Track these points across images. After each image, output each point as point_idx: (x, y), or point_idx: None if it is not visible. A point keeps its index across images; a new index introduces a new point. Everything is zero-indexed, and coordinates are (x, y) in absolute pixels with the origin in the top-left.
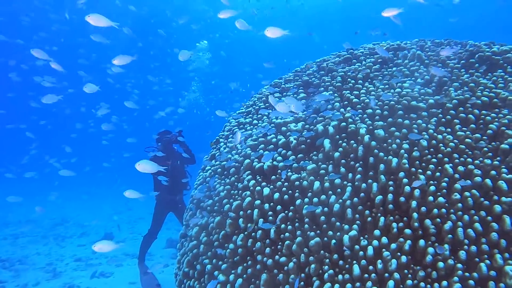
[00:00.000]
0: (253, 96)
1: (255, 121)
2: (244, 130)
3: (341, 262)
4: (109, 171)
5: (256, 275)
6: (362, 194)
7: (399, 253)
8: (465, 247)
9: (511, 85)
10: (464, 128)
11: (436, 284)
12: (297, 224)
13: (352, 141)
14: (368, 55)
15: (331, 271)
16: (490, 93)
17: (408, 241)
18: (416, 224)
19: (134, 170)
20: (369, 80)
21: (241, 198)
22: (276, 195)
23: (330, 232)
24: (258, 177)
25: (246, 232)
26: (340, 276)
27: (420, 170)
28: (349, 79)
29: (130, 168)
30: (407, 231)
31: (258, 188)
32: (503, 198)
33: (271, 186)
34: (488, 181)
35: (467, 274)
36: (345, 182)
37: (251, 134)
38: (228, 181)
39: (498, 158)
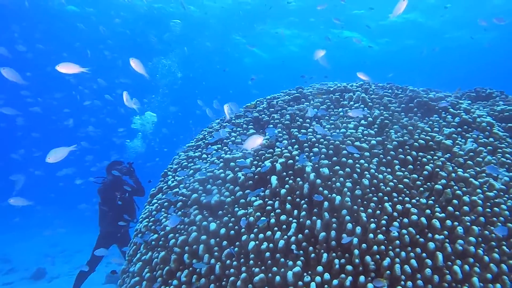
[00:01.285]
0: (203, 130)
1: (204, 155)
2: (193, 163)
3: None
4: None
5: None
6: (306, 231)
7: None
8: (402, 282)
9: (445, 129)
10: (402, 169)
11: None
12: (242, 260)
13: (298, 179)
14: (316, 95)
15: None
16: (427, 136)
17: (349, 277)
18: (357, 260)
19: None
20: (317, 119)
21: (187, 233)
22: (223, 230)
23: (275, 268)
24: (205, 212)
25: (190, 268)
26: None
27: (361, 208)
28: (297, 118)
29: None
30: (348, 267)
31: (204, 223)
32: (436, 236)
33: (218, 221)
34: (423, 219)
35: None
36: (290, 219)
37: (200, 168)
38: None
39: (433, 197)
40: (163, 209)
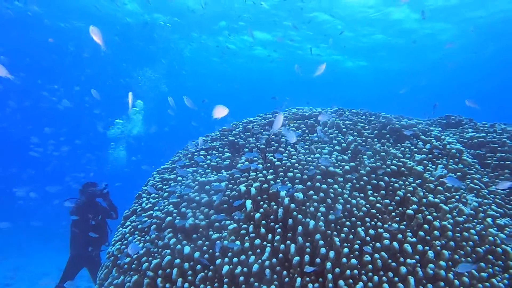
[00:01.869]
0: (179, 152)
1: (179, 178)
2: (168, 186)
3: None
4: None
5: None
6: (280, 255)
7: None
8: None
9: (416, 155)
10: (375, 194)
11: None
12: (216, 284)
13: (273, 203)
14: (291, 120)
15: None
16: (399, 162)
17: None
18: (330, 285)
19: None
20: (292, 144)
21: (161, 257)
22: (197, 254)
23: None
24: (179, 235)
25: None
26: None
27: (335, 233)
28: (272, 142)
29: None
30: None
31: (178, 246)
32: (408, 260)
33: (192, 245)
34: (395, 244)
35: None
36: (264, 243)
37: (175, 191)
38: (148, 238)
39: (404, 222)
40: (136, 232)
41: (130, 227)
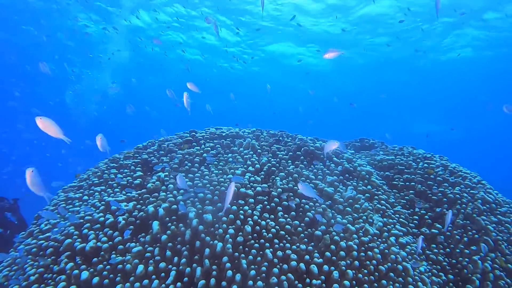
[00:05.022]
0: (88, 170)
1: (85, 197)
2: (72, 206)
3: None
4: None
5: None
6: (185, 279)
7: None
8: None
9: (328, 177)
10: (285, 215)
11: None
12: None
13: (181, 225)
14: (208, 139)
15: None
16: (310, 183)
17: None
18: None
19: None
20: (205, 164)
21: (54, 283)
22: (95, 280)
23: None
24: (78, 260)
25: None
26: None
27: (242, 255)
28: (186, 162)
29: None
30: None
31: (75, 271)
32: (314, 281)
33: (91, 270)
34: (302, 265)
35: None
36: (170, 266)
37: (78, 211)
38: (42, 263)
39: (312, 243)
40: (29, 256)
41: (23, 250)
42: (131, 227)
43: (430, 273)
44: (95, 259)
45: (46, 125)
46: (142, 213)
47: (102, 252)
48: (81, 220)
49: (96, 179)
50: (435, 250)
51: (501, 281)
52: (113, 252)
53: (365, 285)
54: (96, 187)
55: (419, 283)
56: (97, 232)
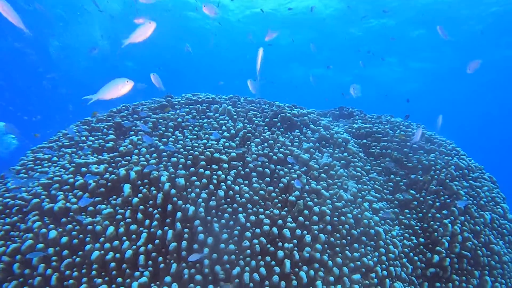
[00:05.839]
0: (59, 132)
1: (54, 158)
2: (40, 166)
3: None
4: None
5: None
6: (157, 241)
7: None
8: None
9: (304, 144)
10: (260, 181)
11: None
12: (84, 270)
13: (152, 188)
14: (183, 105)
15: None
16: (286, 150)
17: (198, 287)
18: (206, 270)
19: None
20: (180, 129)
21: (21, 241)
22: (64, 239)
23: (119, 279)
24: (46, 219)
25: (21, 279)
26: None
27: (215, 219)
28: (160, 126)
29: None
30: (198, 277)
31: (43, 230)
32: (286, 245)
33: (60, 229)
34: (274, 229)
35: None
36: (141, 228)
37: (47, 172)
38: (8, 221)
39: (286, 208)
40: None
41: None
42: (102, 189)
43: (402, 237)
44: (63, 219)
45: (4, 9)
46: (113, 176)
47: (71, 213)
48: (50, 181)
49: (67, 141)
50: (408, 215)
51: (468, 242)
52: (83, 213)
53: (337, 249)
54: (67, 149)
55: (390, 246)
56: (66, 193)
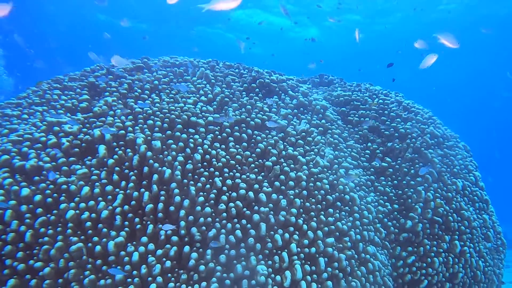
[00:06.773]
0: (28, 89)
1: (24, 115)
2: (9, 123)
3: (104, 267)
4: None
5: (2, 280)
6: (133, 202)
7: (164, 259)
8: (226, 251)
9: (282, 110)
10: (237, 146)
11: (196, 285)
12: (59, 229)
13: (128, 150)
14: (160, 67)
15: (92, 276)
16: (264, 116)
17: (174, 247)
18: (182, 231)
19: None
20: (156, 92)
21: None
22: (37, 197)
23: (95, 238)
24: (18, 176)
25: None
26: (102, 281)
27: (191, 182)
28: (135, 88)
29: None
30: (174, 238)
31: (14, 187)
32: (262, 208)
33: (33, 187)
34: (250, 193)
35: (224, 274)
36: (117, 190)
37: (17, 129)
38: None
39: (262, 173)
40: None
41: None
42: (76, 149)
43: (376, 203)
44: (36, 177)
45: None
46: (87, 136)
47: (44, 172)
48: (20, 138)
49: (37, 99)
50: (383, 182)
51: (441, 208)
52: (57, 172)
53: (312, 213)
54: (37, 106)
55: (365, 212)
56: (38, 151)
